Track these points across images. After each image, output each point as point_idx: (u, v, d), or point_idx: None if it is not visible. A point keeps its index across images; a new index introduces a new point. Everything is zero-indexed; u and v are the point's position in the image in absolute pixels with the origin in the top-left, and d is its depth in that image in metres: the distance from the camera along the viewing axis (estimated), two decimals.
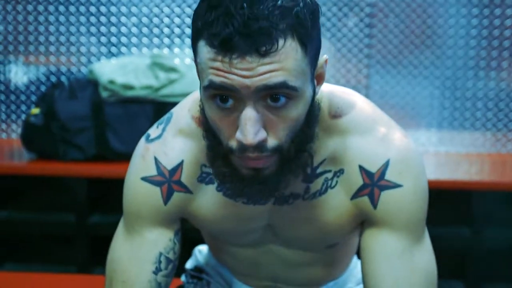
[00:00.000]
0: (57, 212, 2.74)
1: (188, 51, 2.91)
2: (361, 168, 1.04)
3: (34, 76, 3.14)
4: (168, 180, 1.08)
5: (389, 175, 1.03)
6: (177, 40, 3.03)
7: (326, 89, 1.07)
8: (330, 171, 1.05)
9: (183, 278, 1.42)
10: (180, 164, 1.08)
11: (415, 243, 1.05)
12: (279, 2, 0.85)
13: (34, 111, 2.68)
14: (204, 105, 0.94)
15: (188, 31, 2.98)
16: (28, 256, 2.86)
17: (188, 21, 2.98)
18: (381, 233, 1.05)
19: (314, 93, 0.96)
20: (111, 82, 2.61)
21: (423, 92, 3.03)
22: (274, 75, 0.86)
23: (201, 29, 0.87)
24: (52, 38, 3.08)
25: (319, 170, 1.05)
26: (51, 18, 3.06)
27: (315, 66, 0.94)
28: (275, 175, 0.94)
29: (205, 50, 0.87)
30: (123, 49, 3.06)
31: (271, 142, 0.91)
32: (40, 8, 3.05)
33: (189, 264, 1.43)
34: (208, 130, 0.97)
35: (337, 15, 2.98)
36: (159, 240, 1.10)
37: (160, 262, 1.10)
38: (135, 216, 1.10)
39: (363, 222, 1.09)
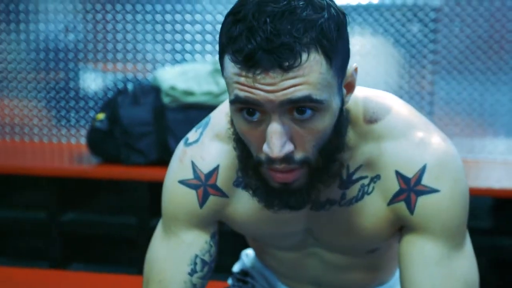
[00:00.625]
0: (120, 214, 2.81)
1: None
2: (397, 173, 1.02)
3: (102, 82, 3.24)
4: (203, 184, 1.10)
5: (426, 180, 1.01)
6: None
7: (361, 93, 1.05)
8: (366, 177, 1.05)
9: (229, 281, 1.43)
10: (216, 169, 1.09)
11: (454, 250, 1.03)
12: (303, 15, 0.85)
13: (99, 116, 2.76)
14: (233, 118, 0.95)
15: None
16: (93, 257, 2.95)
17: None
18: (418, 239, 1.03)
19: (343, 103, 0.95)
20: (173, 88, 2.66)
21: (490, 98, 2.94)
22: (298, 89, 0.86)
23: (226, 45, 0.88)
24: (119, 46, 3.17)
25: (355, 176, 1.05)
26: (119, 27, 3.15)
27: (343, 76, 0.93)
28: (305, 187, 0.94)
29: (230, 65, 0.88)
30: (187, 56, 3.11)
31: (299, 154, 0.91)
32: (108, 17, 3.15)
33: (236, 268, 1.44)
34: (238, 141, 0.98)
35: (401, 21, 2.93)
36: (195, 242, 1.12)
37: (195, 264, 1.11)
38: (172, 218, 1.12)
39: (401, 228, 1.07)
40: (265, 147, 0.89)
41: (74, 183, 2.80)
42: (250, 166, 0.96)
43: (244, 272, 1.40)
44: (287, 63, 0.84)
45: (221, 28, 0.90)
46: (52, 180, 2.72)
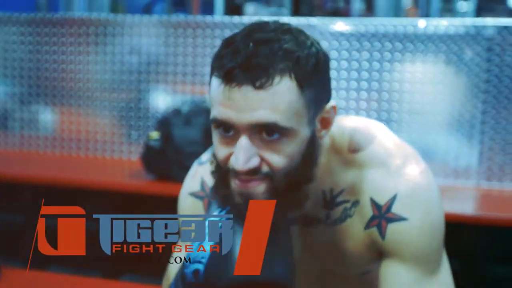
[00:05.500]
0: None
1: None
2: (371, 200, 1.10)
3: (170, 102, 3.40)
4: (208, 195, 1.24)
5: (396, 209, 1.09)
6: None
7: (350, 125, 1.15)
8: (348, 201, 1.13)
9: None
10: None
11: (427, 276, 1.09)
12: (285, 46, 0.96)
13: (153, 135, 2.93)
14: (212, 134, 1.06)
15: None
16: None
17: None
18: (391, 264, 1.11)
19: (315, 136, 1.03)
20: None
21: None
22: (267, 114, 0.95)
23: (213, 64, 1.00)
24: (188, 69, 3.33)
25: (338, 200, 1.13)
26: (188, 50, 3.32)
27: (316, 110, 1.01)
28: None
29: (214, 82, 0.99)
30: None
31: (265, 168, 0.99)
32: (180, 41, 3.33)
33: None
34: (215, 156, 1.07)
35: (453, 49, 2.92)
36: None
37: None
38: (184, 225, 1.25)
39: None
40: (232, 159, 0.99)
41: (129, 197, 2.96)
42: (221, 179, 1.05)
43: None
44: (259, 82, 0.94)
45: (214, 54, 1.02)
46: (107, 194, 2.91)
